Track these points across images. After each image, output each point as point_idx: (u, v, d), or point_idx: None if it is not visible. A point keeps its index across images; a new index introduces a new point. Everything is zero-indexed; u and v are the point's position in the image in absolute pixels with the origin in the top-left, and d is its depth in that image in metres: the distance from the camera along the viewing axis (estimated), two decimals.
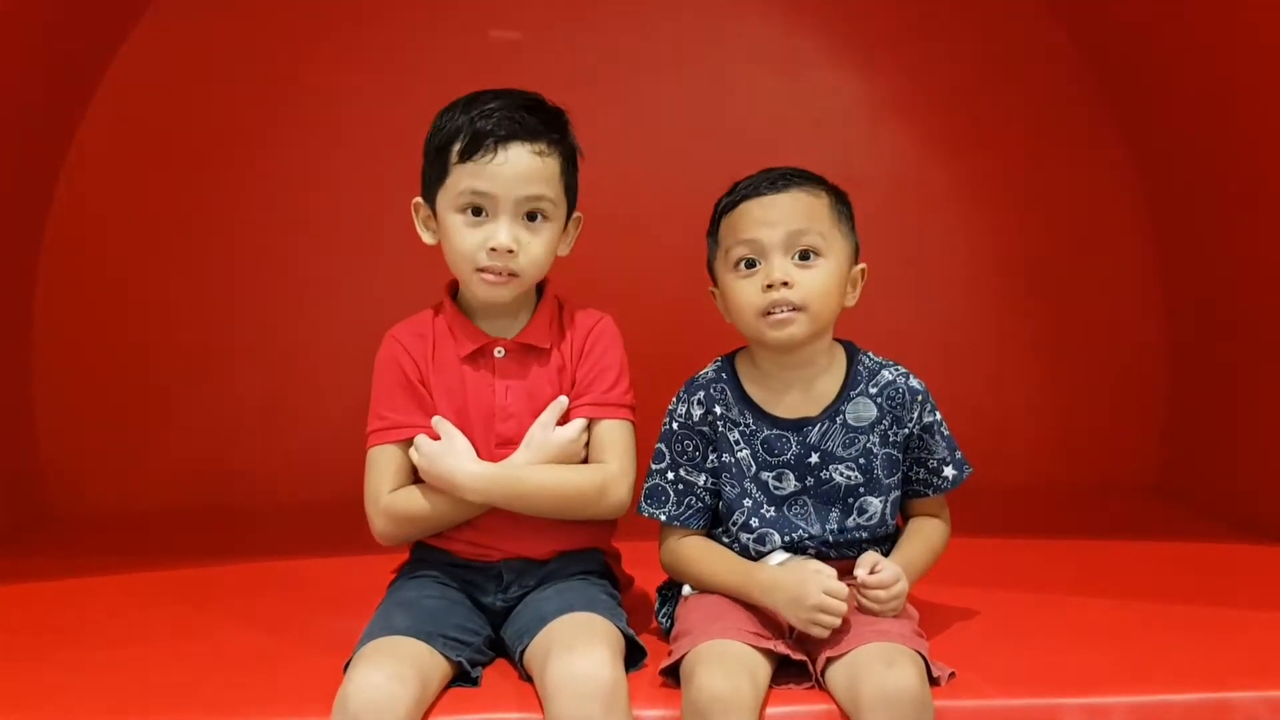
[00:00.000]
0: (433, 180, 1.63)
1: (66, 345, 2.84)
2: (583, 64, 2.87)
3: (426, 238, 1.67)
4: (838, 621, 1.45)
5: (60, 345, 2.83)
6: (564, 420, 1.63)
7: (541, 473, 1.60)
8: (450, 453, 1.59)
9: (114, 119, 2.82)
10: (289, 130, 2.87)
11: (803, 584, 1.46)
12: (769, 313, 1.55)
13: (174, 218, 2.86)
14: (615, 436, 1.64)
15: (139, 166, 2.85)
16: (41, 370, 2.83)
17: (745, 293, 1.58)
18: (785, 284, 1.54)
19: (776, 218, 1.57)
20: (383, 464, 1.63)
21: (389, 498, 1.62)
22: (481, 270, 1.58)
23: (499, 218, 1.57)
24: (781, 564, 1.59)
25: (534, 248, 1.59)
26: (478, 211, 1.58)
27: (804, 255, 1.56)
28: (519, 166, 1.57)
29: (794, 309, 1.55)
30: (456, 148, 1.58)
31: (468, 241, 1.58)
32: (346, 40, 2.87)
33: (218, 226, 2.87)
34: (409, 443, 1.62)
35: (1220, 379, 2.67)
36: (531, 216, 1.59)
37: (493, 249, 1.56)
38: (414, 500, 1.61)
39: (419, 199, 1.67)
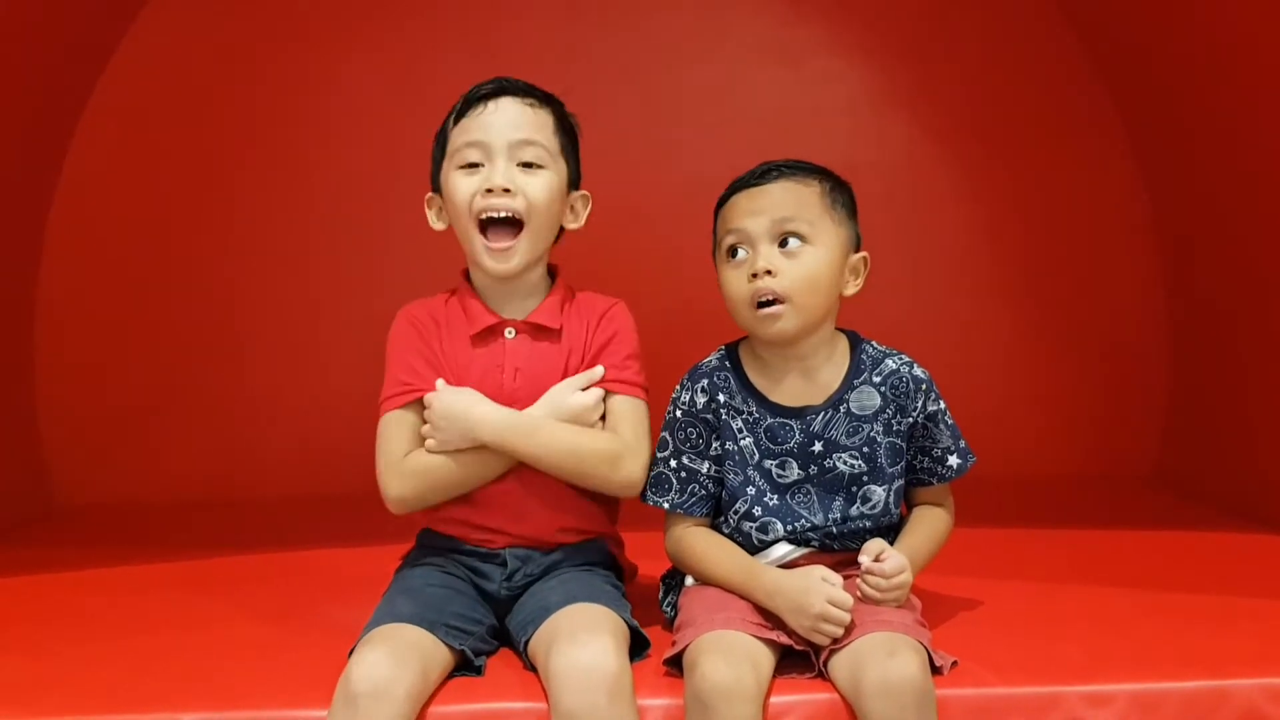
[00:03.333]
0: (438, 160, 1.67)
1: (70, 338, 2.85)
2: (586, 56, 2.88)
3: (439, 225, 1.69)
4: (840, 631, 1.46)
5: (63, 338, 2.84)
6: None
7: (559, 427, 1.60)
8: (466, 396, 1.59)
9: (117, 112, 2.83)
10: (293, 125, 2.88)
11: (807, 592, 1.46)
12: (758, 306, 1.56)
13: (178, 210, 2.87)
14: (629, 411, 1.64)
15: (142, 159, 2.85)
16: (45, 362, 2.84)
17: (733, 283, 1.59)
18: (769, 273, 1.55)
19: (762, 207, 1.58)
20: (398, 427, 1.62)
21: (406, 458, 1.61)
22: (483, 227, 1.60)
23: (494, 162, 1.60)
24: (784, 558, 1.60)
25: (531, 189, 1.61)
26: (475, 165, 1.61)
27: (787, 242, 1.57)
28: (508, 114, 1.61)
29: (777, 299, 1.55)
30: (453, 116, 1.64)
31: (465, 189, 1.60)
32: (352, 31, 2.87)
33: (221, 219, 2.88)
34: (422, 406, 1.62)
35: (1219, 370, 2.68)
36: (526, 165, 1.61)
37: (489, 190, 1.58)
38: (431, 458, 1.60)
39: (431, 193, 1.70)
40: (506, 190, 1.59)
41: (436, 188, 1.69)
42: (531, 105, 1.63)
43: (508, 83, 1.64)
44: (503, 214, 1.59)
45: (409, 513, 1.65)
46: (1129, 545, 2.25)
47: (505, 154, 1.60)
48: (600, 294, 1.71)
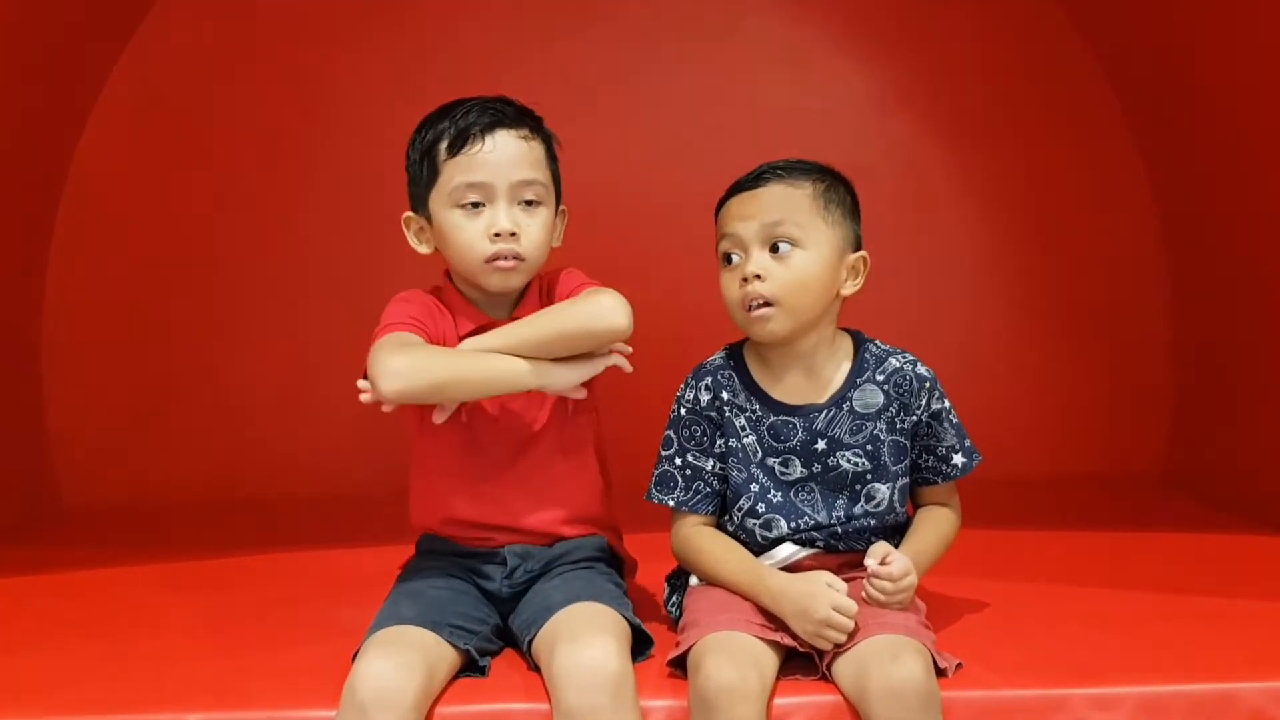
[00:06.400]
0: (423, 185, 1.64)
1: (75, 339, 2.85)
2: (591, 58, 2.88)
3: (422, 249, 1.69)
4: (843, 637, 1.45)
5: (69, 339, 2.85)
6: None
7: (530, 325, 1.57)
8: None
9: (124, 112, 2.83)
10: (297, 127, 2.88)
11: (812, 597, 1.46)
12: (749, 308, 1.57)
13: (183, 212, 2.88)
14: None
15: (148, 160, 2.86)
16: (51, 363, 2.84)
17: (728, 287, 1.61)
18: (758, 277, 1.56)
19: (752, 211, 1.59)
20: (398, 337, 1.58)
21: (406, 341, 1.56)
22: (490, 260, 1.60)
23: (496, 204, 1.60)
24: (789, 559, 1.60)
25: (533, 230, 1.62)
26: (475, 205, 1.60)
27: (778, 247, 1.57)
28: (508, 152, 1.60)
29: (767, 304, 1.56)
30: (444, 144, 1.61)
31: (469, 233, 1.60)
32: (355, 35, 2.87)
33: (227, 221, 2.89)
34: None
35: (1226, 370, 2.67)
36: (527, 203, 1.62)
37: (496, 234, 1.59)
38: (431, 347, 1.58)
39: (408, 214, 1.68)
40: (513, 234, 1.59)
41: (416, 208, 1.67)
42: (526, 138, 1.63)
43: (499, 111, 1.62)
44: (509, 260, 1.60)
45: (404, 400, 1.53)
46: (1135, 547, 2.24)
47: (507, 195, 1.60)
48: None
